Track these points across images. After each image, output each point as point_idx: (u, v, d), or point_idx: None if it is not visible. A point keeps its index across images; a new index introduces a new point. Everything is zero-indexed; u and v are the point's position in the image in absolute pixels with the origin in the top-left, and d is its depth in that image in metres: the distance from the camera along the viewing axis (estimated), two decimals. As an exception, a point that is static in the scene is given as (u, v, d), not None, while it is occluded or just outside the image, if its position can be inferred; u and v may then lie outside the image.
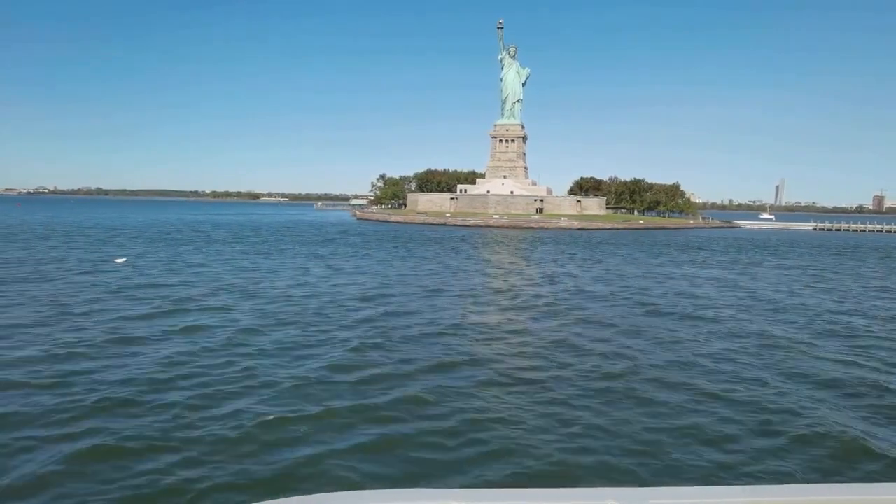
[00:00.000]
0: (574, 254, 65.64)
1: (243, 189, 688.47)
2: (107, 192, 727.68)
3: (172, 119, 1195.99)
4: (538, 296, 34.51)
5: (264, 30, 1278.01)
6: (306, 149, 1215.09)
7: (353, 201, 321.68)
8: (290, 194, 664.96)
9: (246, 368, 17.93)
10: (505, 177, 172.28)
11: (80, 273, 39.88)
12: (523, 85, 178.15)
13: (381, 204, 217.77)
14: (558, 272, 47.16)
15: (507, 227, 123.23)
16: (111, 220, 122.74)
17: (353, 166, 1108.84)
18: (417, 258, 56.14)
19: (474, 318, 27.17)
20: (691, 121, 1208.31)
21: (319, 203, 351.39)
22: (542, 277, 43.74)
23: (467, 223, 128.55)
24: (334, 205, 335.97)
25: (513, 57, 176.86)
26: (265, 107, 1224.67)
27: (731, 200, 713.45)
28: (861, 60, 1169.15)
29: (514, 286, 38.70)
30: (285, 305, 29.10)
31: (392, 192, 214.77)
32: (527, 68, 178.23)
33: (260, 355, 19.54)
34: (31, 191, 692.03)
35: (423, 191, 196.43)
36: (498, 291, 36.28)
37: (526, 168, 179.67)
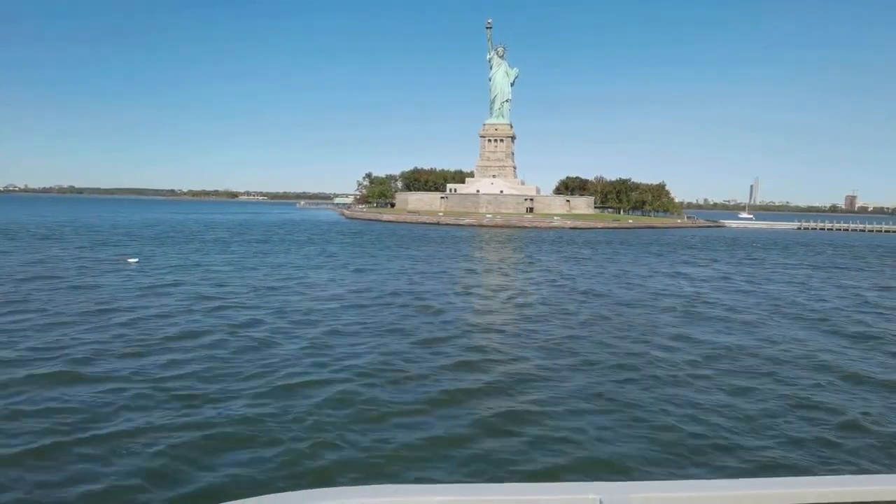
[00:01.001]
0: (591, 254, 66.06)
1: (221, 188, 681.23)
2: (80, 191, 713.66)
3: (146, 117, 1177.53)
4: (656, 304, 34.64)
5: (244, 28, 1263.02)
6: (283, 147, 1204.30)
7: (337, 200, 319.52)
8: (268, 193, 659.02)
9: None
10: (494, 176, 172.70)
11: (124, 280, 39.00)
12: (511, 85, 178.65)
13: (368, 203, 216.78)
14: (625, 271, 47.40)
15: (501, 227, 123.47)
16: (98, 220, 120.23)
17: (332, 165, 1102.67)
18: (442, 256, 56.01)
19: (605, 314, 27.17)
20: (667, 120, 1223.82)
21: (302, 202, 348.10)
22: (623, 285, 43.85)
23: (461, 223, 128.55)
24: (317, 204, 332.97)
25: (501, 57, 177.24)
26: (242, 105, 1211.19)
27: (706, 200, 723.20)
28: (833, 61, 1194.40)
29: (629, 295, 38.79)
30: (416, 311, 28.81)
31: (379, 191, 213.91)
32: (515, 68, 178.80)
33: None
34: (1, 189, 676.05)
35: (410, 190, 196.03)
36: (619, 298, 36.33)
37: (515, 167, 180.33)
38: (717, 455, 12.46)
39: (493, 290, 36.11)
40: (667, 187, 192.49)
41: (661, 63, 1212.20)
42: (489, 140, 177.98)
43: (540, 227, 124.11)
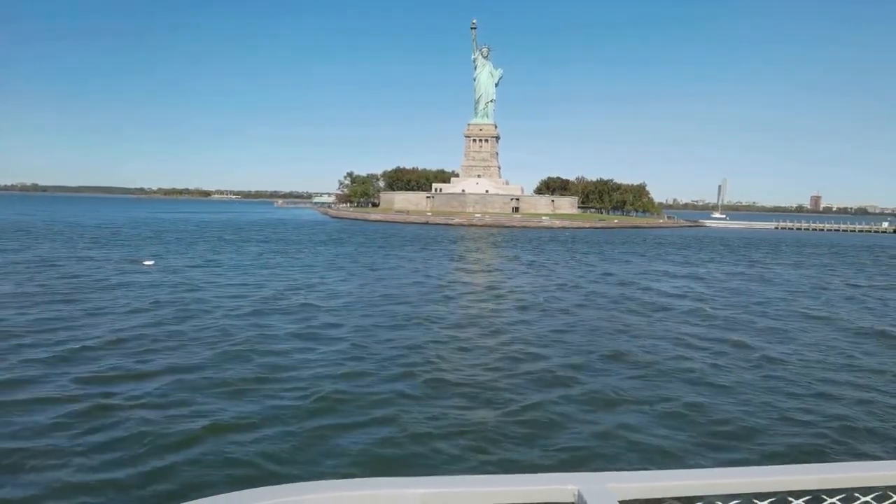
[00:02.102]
0: (597, 252, 66.98)
1: (191, 186, 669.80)
2: (45, 189, 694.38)
3: (113, 114, 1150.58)
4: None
5: (219, 26, 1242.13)
6: (254, 146, 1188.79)
7: (317, 199, 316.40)
8: (241, 192, 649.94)
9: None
10: (479, 176, 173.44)
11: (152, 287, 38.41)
12: (496, 85, 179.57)
13: (350, 202, 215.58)
14: (652, 270, 48.16)
15: (491, 227, 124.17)
16: (80, 219, 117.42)
17: (306, 164, 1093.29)
18: (460, 257, 56.29)
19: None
20: (639, 120, 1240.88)
21: (280, 201, 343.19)
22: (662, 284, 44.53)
23: (450, 222, 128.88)
24: (295, 203, 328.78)
25: (486, 57, 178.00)
26: (213, 103, 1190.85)
27: (675, 200, 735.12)
28: (799, 65, 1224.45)
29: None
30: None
31: (361, 190, 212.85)
32: (500, 69, 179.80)
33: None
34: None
35: (393, 189, 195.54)
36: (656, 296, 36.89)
37: (499, 167, 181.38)
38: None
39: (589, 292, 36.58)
40: (647, 188, 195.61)
41: (629, 63, 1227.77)
42: (474, 140, 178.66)
43: (529, 227, 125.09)
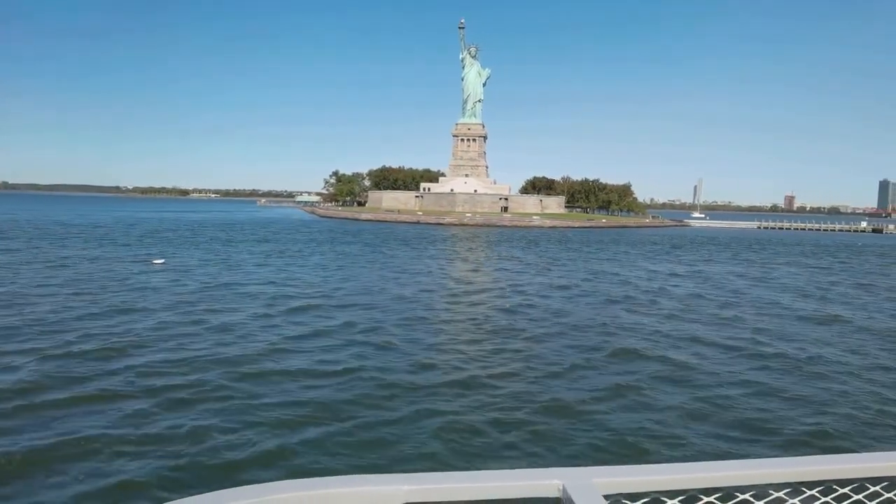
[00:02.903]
0: (607, 253, 67.69)
1: (169, 184, 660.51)
2: (16, 187, 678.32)
3: (86, 111, 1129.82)
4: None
5: (198, 24, 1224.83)
6: (235, 144, 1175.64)
7: (300, 198, 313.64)
8: (220, 190, 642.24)
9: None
10: (467, 175, 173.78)
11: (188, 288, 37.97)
12: (483, 85, 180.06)
13: (336, 201, 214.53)
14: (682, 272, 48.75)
15: (482, 226, 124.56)
16: (64, 218, 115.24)
17: (286, 163, 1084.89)
18: (487, 256, 56.53)
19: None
20: (612, 119, 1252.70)
21: (263, 200, 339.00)
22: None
23: (441, 221, 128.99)
24: (279, 202, 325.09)
25: (474, 57, 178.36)
26: (191, 102, 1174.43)
27: (653, 199, 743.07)
28: (772, 65, 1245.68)
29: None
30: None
31: (347, 189, 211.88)
32: (487, 69, 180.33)
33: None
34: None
35: (379, 188, 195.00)
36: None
37: (487, 167, 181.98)
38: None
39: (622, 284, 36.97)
40: (632, 188, 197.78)
41: (607, 62, 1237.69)
42: (462, 139, 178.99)
43: (520, 227, 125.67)
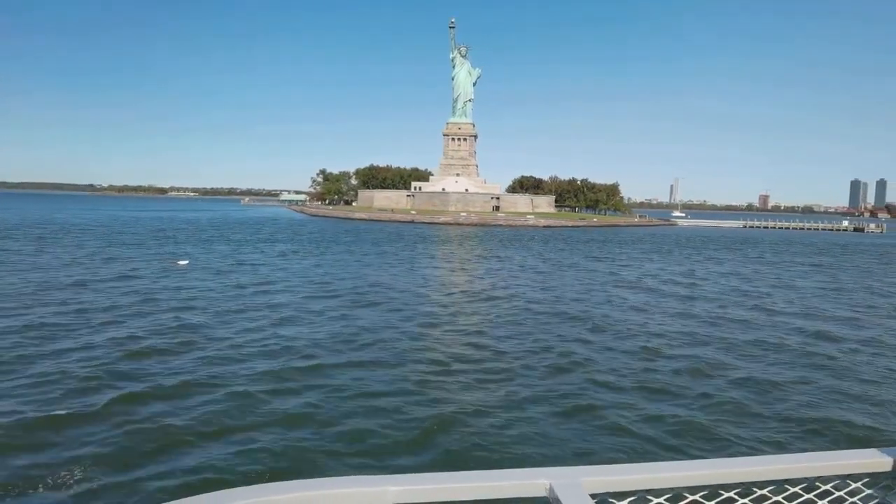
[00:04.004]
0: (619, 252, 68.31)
1: (143, 182, 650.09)
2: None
3: (57, 105, 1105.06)
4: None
5: (177, 20, 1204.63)
6: (212, 142, 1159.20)
7: (284, 197, 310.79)
8: (198, 189, 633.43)
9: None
10: (458, 175, 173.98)
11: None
12: (474, 85, 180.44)
13: (324, 200, 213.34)
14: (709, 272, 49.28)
15: (477, 225, 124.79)
16: (51, 217, 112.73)
17: (266, 162, 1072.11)
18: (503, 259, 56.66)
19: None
20: (590, 118, 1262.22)
21: (246, 199, 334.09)
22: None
23: (436, 221, 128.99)
24: (263, 201, 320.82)
25: (464, 56, 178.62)
26: (166, 97, 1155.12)
27: (630, 199, 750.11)
28: (746, 63, 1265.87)
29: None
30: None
31: (335, 188, 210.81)
32: (478, 68, 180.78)
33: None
34: None
35: (367, 187, 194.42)
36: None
37: (477, 166, 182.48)
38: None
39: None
40: (619, 187, 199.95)
41: (580, 62, 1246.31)
42: (452, 139, 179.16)
43: (514, 226, 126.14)
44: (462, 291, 35.31)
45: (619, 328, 25.46)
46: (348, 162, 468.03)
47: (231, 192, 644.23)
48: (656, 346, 22.23)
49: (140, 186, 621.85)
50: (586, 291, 36.69)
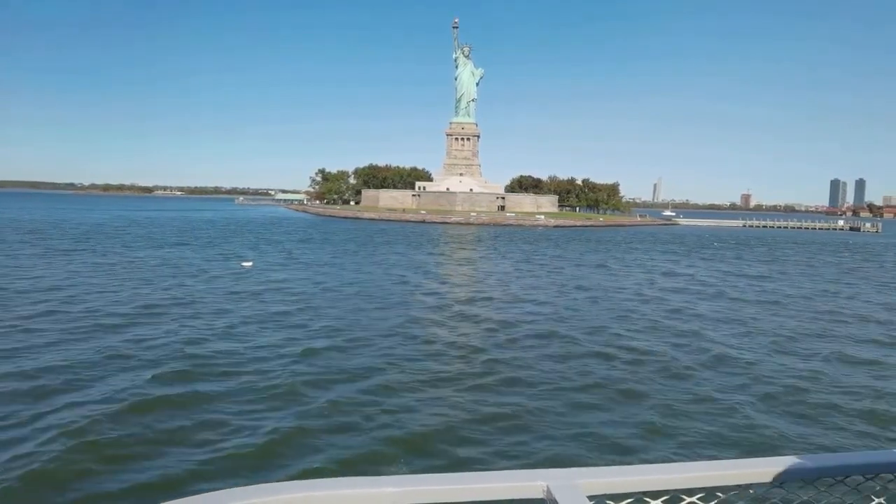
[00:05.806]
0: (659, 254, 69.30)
1: (126, 181, 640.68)
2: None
3: (35, 101, 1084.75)
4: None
5: (162, 17, 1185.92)
6: (197, 141, 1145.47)
7: (279, 196, 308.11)
8: (185, 188, 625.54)
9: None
10: (461, 174, 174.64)
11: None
12: (477, 85, 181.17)
13: (323, 199, 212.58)
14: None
15: (488, 225, 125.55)
16: (51, 218, 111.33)
17: (255, 161, 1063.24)
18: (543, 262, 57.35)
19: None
20: (575, 118, 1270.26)
21: (241, 198, 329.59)
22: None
23: (448, 220, 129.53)
24: (258, 200, 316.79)
25: (467, 56, 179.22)
26: (149, 96, 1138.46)
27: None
28: (728, 63, 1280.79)
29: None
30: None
31: (335, 187, 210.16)
32: (480, 69, 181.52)
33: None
34: None
35: (368, 186, 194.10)
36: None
37: (479, 166, 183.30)
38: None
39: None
40: (619, 187, 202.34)
41: (564, 61, 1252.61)
42: (456, 139, 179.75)
43: (526, 226, 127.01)
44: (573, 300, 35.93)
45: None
46: (340, 161, 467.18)
47: (217, 190, 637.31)
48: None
49: (123, 185, 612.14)
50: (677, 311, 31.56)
